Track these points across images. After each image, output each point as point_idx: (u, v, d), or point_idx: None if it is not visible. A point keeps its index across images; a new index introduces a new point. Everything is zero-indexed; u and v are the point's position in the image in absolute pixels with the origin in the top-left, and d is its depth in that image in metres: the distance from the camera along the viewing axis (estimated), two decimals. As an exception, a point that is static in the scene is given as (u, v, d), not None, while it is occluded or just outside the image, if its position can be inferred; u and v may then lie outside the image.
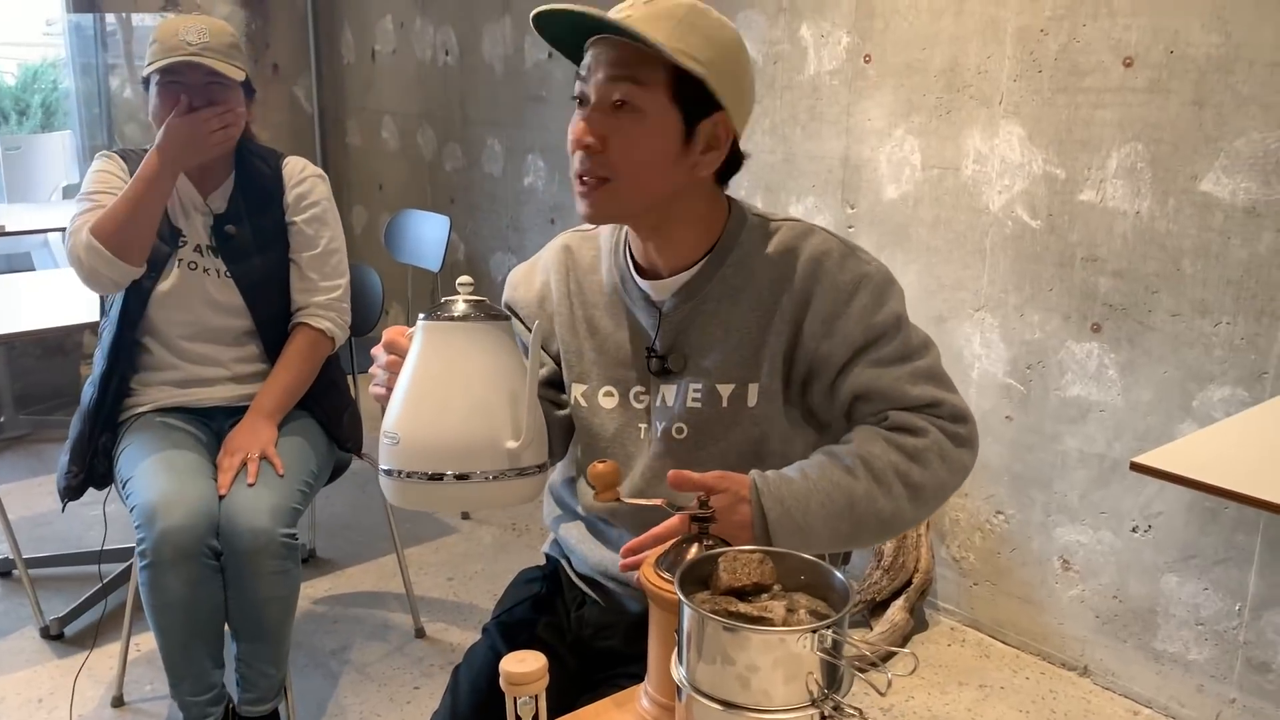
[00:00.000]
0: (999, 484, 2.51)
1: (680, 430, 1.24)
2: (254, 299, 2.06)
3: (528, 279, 1.38)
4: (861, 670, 0.81)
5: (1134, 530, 2.27)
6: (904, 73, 2.52)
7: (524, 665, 0.87)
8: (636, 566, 1.08)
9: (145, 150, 2.07)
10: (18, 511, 3.15)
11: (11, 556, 2.64)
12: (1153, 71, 2.09)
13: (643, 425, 1.27)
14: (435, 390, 1.05)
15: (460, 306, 1.08)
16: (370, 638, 2.56)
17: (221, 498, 1.86)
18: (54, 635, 2.50)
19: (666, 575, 0.92)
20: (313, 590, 2.78)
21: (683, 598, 0.79)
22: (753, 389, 1.21)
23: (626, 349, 1.28)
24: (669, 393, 1.25)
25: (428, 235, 3.18)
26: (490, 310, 1.09)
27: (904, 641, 2.54)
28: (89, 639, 2.48)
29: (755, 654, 0.76)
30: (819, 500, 1.13)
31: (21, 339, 2.46)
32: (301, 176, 2.11)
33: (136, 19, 4.19)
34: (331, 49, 4.62)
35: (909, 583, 2.58)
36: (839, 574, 0.84)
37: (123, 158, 2.08)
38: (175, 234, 2.04)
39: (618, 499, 1.00)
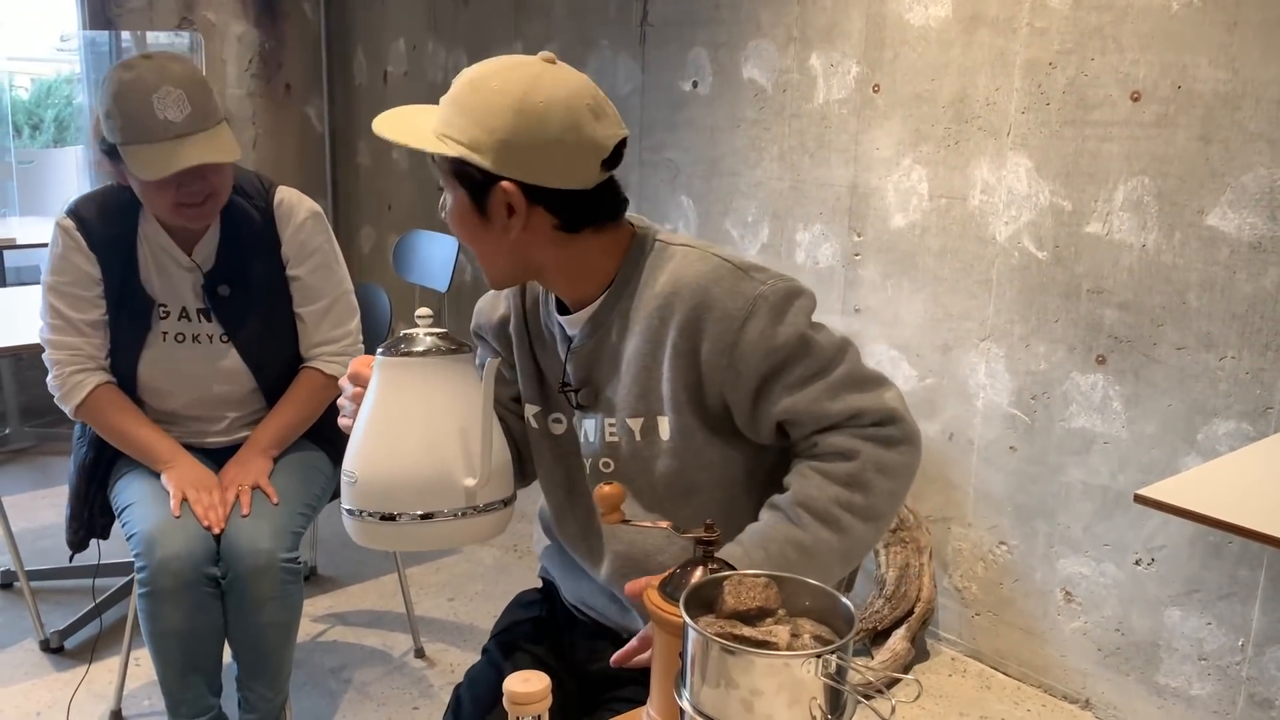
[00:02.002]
0: (1002, 514, 2.51)
1: (607, 465, 1.24)
2: (258, 362, 1.94)
3: (492, 305, 1.38)
4: (866, 696, 0.81)
5: (1137, 563, 2.27)
6: (912, 103, 2.54)
7: (528, 685, 0.87)
8: (627, 659, 1.10)
9: (106, 191, 1.89)
10: (21, 523, 3.16)
11: (13, 568, 2.64)
12: (1160, 106, 2.11)
13: (588, 459, 1.28)
14: (390, 429, 1.05)
15: (418, 341, 1.08)
16: (370, 657, 2.55)
17: (217, 536, 1.82)
18: (54, 648, 2.50)
19: (671, 598, 0.92)
20: (313, 608, 2.77)
21: (688, 620, 0.79)
22: (663, 422, 1.20)
23: (554, 384, 1.29)
24: (589, 427, 1.25)
25: (436, 255, 3.19)
26: (450, 343, 1.08)
27: (905, 671, 2.53)
28: (89, 653, 2.48)
29: (759, 678, 0.76)
30: (774, 563, 1.12)
31: (28, 351, 2.46)
32: (299, 222, 1.93)
33: (151, 36, 4.23)
34: (344, 70, 4.66)
35: (911, 612, 2.57)
36: (844, 599, 0.84)
37: (79, 222, 1.87)
38: (150, 304, 1.89)
39: (624, 520, 1.00)
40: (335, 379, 1.99)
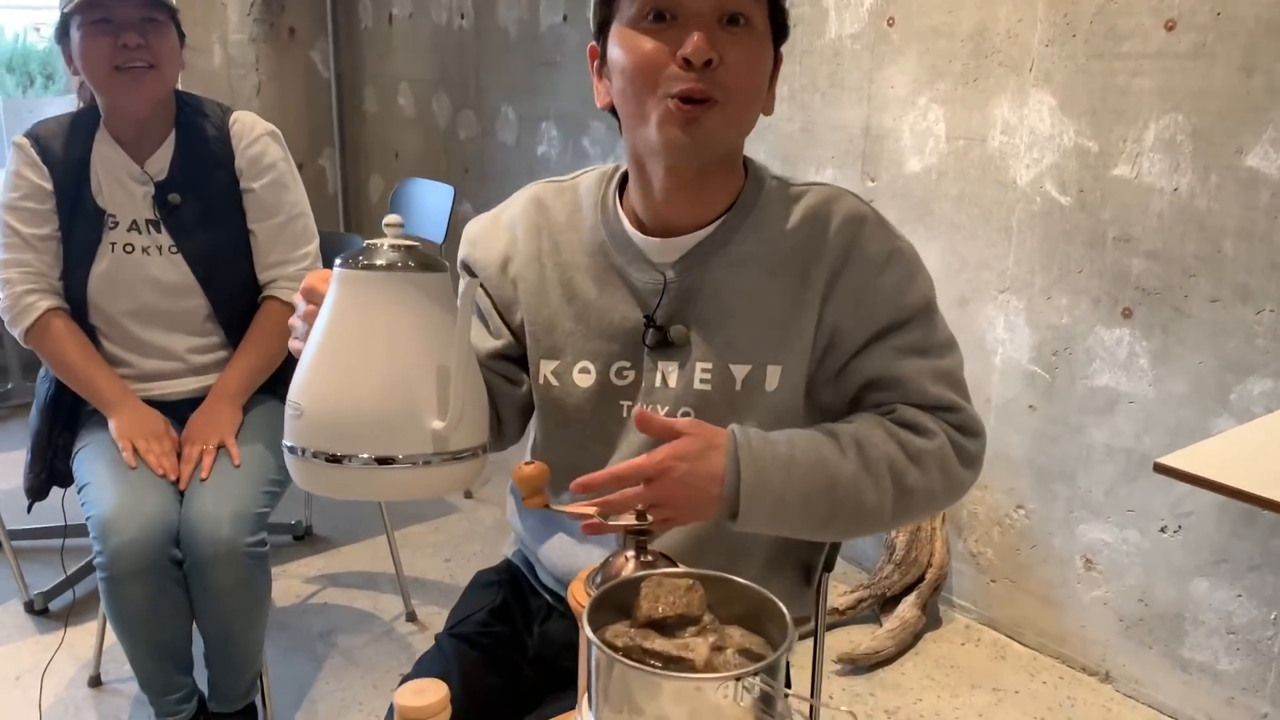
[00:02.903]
0: (1020, 477, 2.37)
1: (686, 415, 1.09)
2: (207, 275, 1.86)
3: (489, 235, 1.20)
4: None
5: (1162, 530, 2.12)
6: (929, 37, 2.36)
7: (421, 698, 0.76)
8: (590, 519, 0.93)
9: (65, 120, 1.87)
10: (15, 480, 3.10)
11: (-2, 526, 2.59)
12: (1197, 35, 1.92)
13: (625, 403, 1.12)
14: (346, 354, 0.89)
15: (384, 253, 0.91)
16: (359, 620, 2.47)
17: (182, 493, 1.73)
18: (38, 610, 2.45)
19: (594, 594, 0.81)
20: (305, 569, 2.70)
21: (588, 632, 0.67)
22: (773, 372, 1.08)
23: (612, 318, 1.12)
24: (669, 371, 1.10)
25: (432, 205, 3.08)
26: (422, 259, 0.92)
27: (915, 640, 2.41)
28: (73, 615, 2.42)
29: (668, 703, 0.64)
30: (801, 471, 0.99)
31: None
32: (253, 136, 1.89)
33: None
34: (349, 13, 4.51)
35: (922, 578, 2.45)
36: (782, 606, 0.71)
37: (34, 140, 1.85)
38: (99, 215, 1.84)
39: (546, 505, 0.88)
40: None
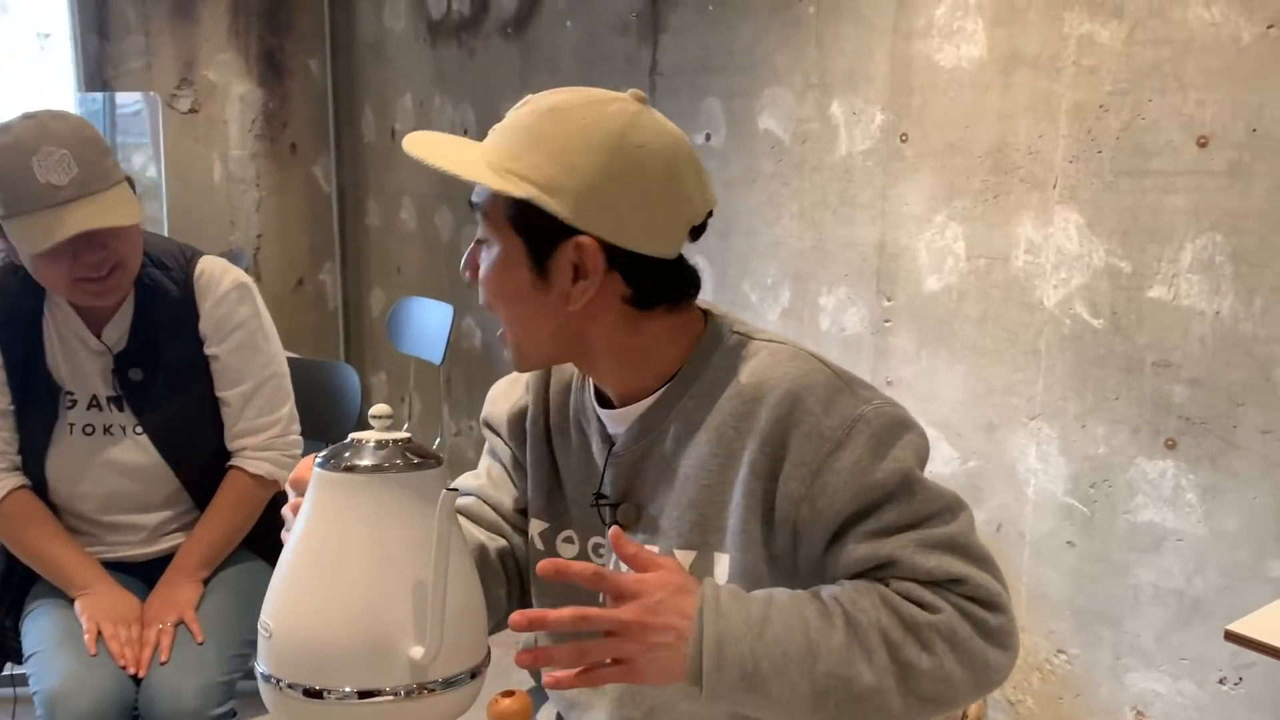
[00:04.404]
0: (1059, 618, 2.19)
1: None
2: (177, 456, 1.68)
3: (509, 391, 1.16)
4: None
5: (1222, 682, 1.94)
6: (945, 153, 2.27)
7: None
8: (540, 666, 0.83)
9: (8, 265, 1.64)
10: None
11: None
12: (1232, 152, 1.82)
13: None
14: (320, 569, 0.79)
15: (367, 450, 0.82)
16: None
17: (136, 681, 1.56)
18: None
19: None
20: None
21: None
22: (720, 560, 0.95)
23: (585, 489, 1.05)
24: None
25: (431, 325, 2.97)
26: (413, 454, 0.83)
27: (951, 800, 2.21)
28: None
29: None
30: (776, 634, 0.85)
31: None
32: (219, 295, 1.67)
33: (141, 96, 4.08)
34: (352, 128, 4.49)
35: (956, 729, 2.25)
36: None
37: None
38: (56, 391, 1.65)
39: (533, 750, 0.73)
40: (264, 479, 1.72)
